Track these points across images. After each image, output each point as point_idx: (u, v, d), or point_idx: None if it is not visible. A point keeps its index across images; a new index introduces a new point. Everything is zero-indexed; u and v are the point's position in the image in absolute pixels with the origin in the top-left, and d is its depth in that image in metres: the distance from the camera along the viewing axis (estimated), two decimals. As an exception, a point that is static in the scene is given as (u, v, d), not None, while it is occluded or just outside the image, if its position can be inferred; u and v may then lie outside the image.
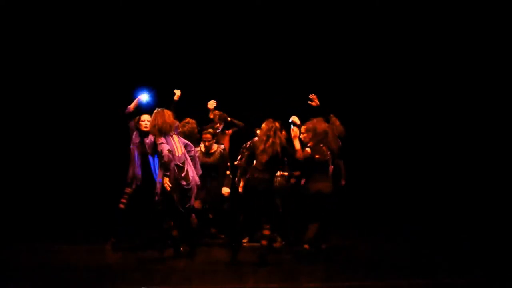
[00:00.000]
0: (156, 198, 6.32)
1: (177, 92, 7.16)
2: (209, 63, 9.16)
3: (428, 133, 9.26)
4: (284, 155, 6.11)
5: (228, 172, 7.18)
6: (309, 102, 6.81)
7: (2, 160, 8.74)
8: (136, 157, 6.92)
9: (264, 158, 6.06)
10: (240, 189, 6.50)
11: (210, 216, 7.32)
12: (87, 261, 6.14)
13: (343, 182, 7.00)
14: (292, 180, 6.91)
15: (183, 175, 6.25)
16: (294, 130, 6.23)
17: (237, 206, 6.47)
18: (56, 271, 5.60)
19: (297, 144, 6.14)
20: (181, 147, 6.37)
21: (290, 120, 7.02)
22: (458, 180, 8.99)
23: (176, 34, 9.16)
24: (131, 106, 6.90)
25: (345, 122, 6.80)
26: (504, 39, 8.96)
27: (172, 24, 9.10)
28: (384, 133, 9.24)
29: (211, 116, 7.51)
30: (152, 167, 6.92)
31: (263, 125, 6.20)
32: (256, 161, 6.14)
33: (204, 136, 7.15)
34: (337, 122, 6.78)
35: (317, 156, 6.22)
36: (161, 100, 7.15)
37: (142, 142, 6.90)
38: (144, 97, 6.99)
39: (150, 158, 6.92)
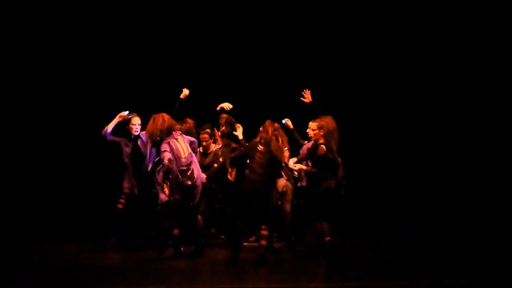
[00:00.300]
0: (159, 201, 6.35)
1: (185, 91, 7.05)
2: (209, 63, 9.15)
3: (428, 133, 9.25)
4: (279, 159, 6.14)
5: (215, 166, 7.08)
6: (301, 98, 6.81)
7: (2, 160, 8.73)
8: (130, 166, 6.91)
9: (263, 159, 6.07)
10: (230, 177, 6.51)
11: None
12: (87, 261, 6.14)
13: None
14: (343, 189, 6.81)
15: (188, 174, 6.20)
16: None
17: (237, 206, 6.48)
18: (56, 271, 5.60)
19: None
20: (186, 147, 6.34)
21: (283, 122, 7.04)
22: (458, 180, 8.98)
23: (176, 34, 9.15)
24: (109, 127, 6.84)
25: (345, 122, 6.79)
26: (504, 39, 8.95)
27: (172, 25, 9.10)
28: (384, 133, 9.23)
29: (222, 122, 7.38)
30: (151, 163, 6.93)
31: (265, 126, 6.22)
32: (254, 162, 6.14)
33: (201, 136, 7.13)
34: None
35: (329, 154, 6.25)
36: (161, 101, 7.16)
37: (134, 149, 6.88)
38: (123, 115, 6.91)
39: (148, 154, 6.93)
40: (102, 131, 6.92)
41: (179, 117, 6.86)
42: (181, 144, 6.29)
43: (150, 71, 9.04)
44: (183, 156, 6.21)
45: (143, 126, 6.94)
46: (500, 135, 8.98)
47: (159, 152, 6.50)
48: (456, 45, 9.15)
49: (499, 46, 8.99)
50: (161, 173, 6.35)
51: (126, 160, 6.98)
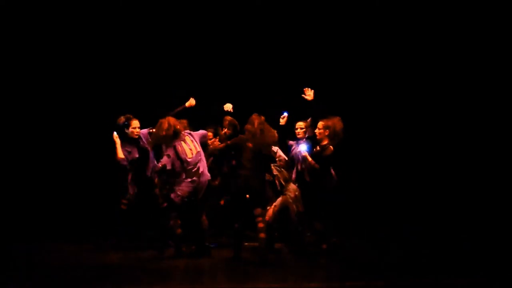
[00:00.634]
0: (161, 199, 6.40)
1: (192, 101, 7.02)
2: (209, 64, 9.15)
3: (427, 133, 9.24)
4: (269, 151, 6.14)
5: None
6: (302, 95, 6.73)
7: (2, 160, 8.73)
8: (134, 171, 6.89)
9: (251, 152, 6.06)
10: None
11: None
12: (87, 261, 6.15)
13: None
14: None
15: (193, 171, 6.29)
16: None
17: (233, 206, 6.45)
18: (56, 271, 5.60)
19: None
20: (194, 146, 6.40)
21: (285, 113, 6.99)
22: (458, 180, 8.98)
23: (175, 34, 9.15)
24: (119, 154, 6.79)
25: (346, 122, 6.79)
26: (504, 39, 8.95)
27: (172, 25, 9.09)
28: (384, 133, 9.23)
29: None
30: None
31: (251, 119, 6.21)
32: (243, 158, 6.12)
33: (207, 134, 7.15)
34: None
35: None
36: (161, 102, 7.17)
37: (137, 153, 6.86)
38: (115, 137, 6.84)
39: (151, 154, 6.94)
40: (116, 160, 6.85)
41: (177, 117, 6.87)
42: (188, 145, 6.37)
43: (150, 71, 9.04)
44: (189, 157, 6.30)
45: (142, 126, 7.01)
46: (500, 135, 8.97)
47: (160, 154, 6.60)
48: (456, 45, 9.15)
49: (499, 46, 8.99)
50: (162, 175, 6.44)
51: (130, 166, 6.91)
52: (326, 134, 6.32)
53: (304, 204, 6.64)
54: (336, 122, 6.35)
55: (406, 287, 5.19)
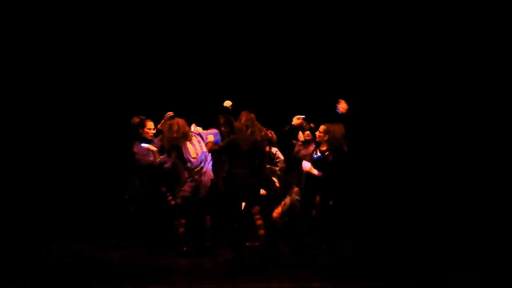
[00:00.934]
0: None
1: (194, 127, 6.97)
2: (209, 63, 9.15)
3: (427, 133, 9.25)
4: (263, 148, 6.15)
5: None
6: (337, 105, 6.41)
7: (4, 160, 8.73)
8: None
9: (240, 150, 6.09)
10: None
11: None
12: (87, 261, 6.15)
13: None
14: None
15: (196, 170, 6.44)
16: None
17: (230, 206, 6.45)
18: (56, 271, 5.60)
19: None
20: (200, 146, 6.52)
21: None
22: (458, 180, 8.98)
23: (175, 34, 9.16)
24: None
25: (345, 122, 6.77)
26: (504, 39, 8.95)
27: (172, 25, 9.10)
28: (384, 133, 9.23)
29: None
30: None
31: (240, 116, 6.26)
32: (235, 157, 6.16)
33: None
34: None
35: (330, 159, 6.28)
36: (160, 102, 7.17)
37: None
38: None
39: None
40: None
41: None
42: (194, 145, 6.52)
43: (150, 71, 9.05)
44: (193, 156, 6.45)
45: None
46: (500, 135, 8.97)
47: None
48: (456, 45, 9.15)
49: (499, 46, 8.99)
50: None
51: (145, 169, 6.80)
52: (325, 139, 6.32)
53: (311, 206, 6.66)
54: (337, 128, 6.33)
55: (406, 287, 5.19)
